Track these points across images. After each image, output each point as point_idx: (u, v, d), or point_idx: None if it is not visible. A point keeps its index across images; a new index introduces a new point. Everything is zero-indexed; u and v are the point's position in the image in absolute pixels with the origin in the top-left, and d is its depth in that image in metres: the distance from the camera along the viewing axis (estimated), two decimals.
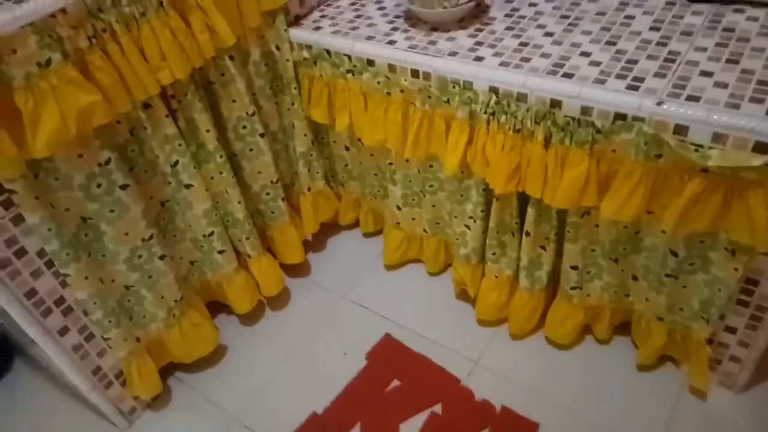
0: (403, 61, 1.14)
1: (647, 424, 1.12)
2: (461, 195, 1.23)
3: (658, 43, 1.03)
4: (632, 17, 1.12)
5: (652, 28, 1.07)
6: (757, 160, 0.80)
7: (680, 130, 0.86)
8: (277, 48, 1.28)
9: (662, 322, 1.12)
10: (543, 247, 1.17)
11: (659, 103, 0.88)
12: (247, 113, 1.24)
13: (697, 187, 0.87)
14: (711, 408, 1.13)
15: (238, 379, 1.32)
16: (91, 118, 0.92)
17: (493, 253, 1.24)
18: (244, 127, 1.26)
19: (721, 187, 0.86)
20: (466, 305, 1.38)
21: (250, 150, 1.29)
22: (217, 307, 1.42)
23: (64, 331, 1.07)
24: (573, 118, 0.96)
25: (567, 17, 1.16)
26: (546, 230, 1.13)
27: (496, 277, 1.27)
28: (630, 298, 1.16)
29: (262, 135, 1.28)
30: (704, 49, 0.99)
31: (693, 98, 0.88)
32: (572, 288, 1.18)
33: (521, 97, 1.01)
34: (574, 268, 1.14)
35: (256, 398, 1.28)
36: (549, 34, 1.12)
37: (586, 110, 0.94)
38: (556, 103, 0.97)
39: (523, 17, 1.19)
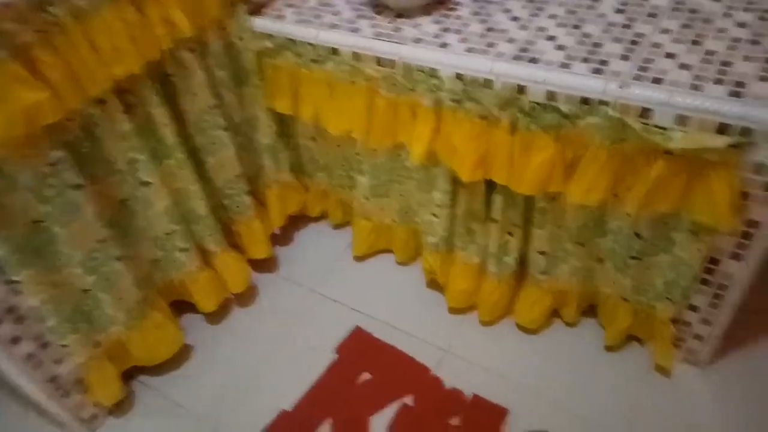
0: (368, 49, 1.11)
1: (615, 404, 1.14)
2: (429, 184, 1.22)
3: (623, 26, 1.03)
4: (598, 0, 1.12)
5: (617, 11, 1.08)
6: (720, 142, 0.81)
7: (644, 113, 0.87)
8: (239, 38, 1.23)
9: (628, 303, 1.14)
10: (511, 234, 1.17)
11: (623, 87, 0.88)
12: (208, 106, 1.20)
13: (661, 169, 0.88)
14: (676, 385, 1.16)
15: (206, 380, 1.29)
16: (39, 117, 0.86)
17: (462, 241, 1.24)
18: (206, 121, 1.21)
19: (685, 168, 0.87)
20: (437, 294, 1.38)
21: (213, 144, 1.25)
22: (182, 306, 1.38)
23: (16, 341, 1.01)
24: (538, 104, 0.95)
25: (533, 1, 1.15)
26: (513, 216, 1.14)
27: (465, 264, 1.27)
28: (597, 281, 1.18)
29: (224, 128, 1.24)
30: (669, 31, 1.00)
31: (657, 81, 0.89)
32: (540, 273, 1.18)
33: (487, 84, 1.00)
34: (542, 253, 1.15)
35: (224, 398, 1.25)
36: (515, 19, 1.11)
37: (551, 95, 0.94)
38: (521, 89, 0.97)
39: (489, 2, 1.18)
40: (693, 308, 1.08)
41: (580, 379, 1.19)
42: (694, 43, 0.96)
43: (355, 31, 1.15)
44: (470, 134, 1.03)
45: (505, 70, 0.98)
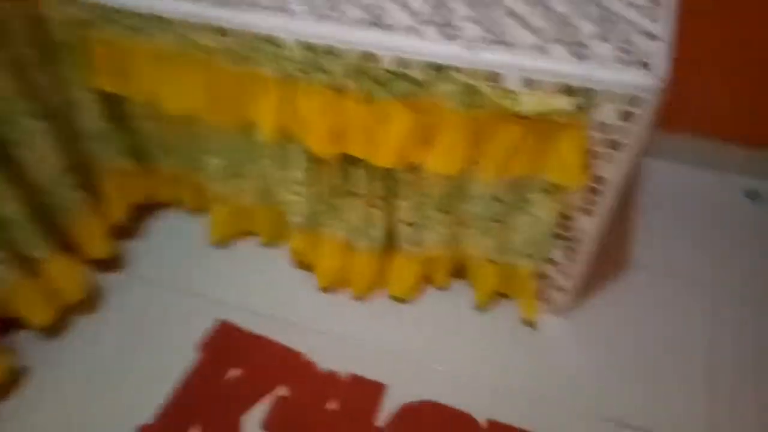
0: (200, 15, 0.98)
1: (488, 360, 1.17)
2: (285, 161, 1.13)
3: None
4: None
5: None
6: (565, 103, 0.81)
7: (494, 77, 0.85)
8: (44, 7, 1.02)
9: (493, 263, 1.16)
10: (375, 207, 1.12)
11: (472, 51, 0.85)
12: (13, 91, 0.99)
13: (514, 133, 0.88)
14: (543, 335, 1.22)
15: (47, 406, 1.11)
16: None
17: (327, 218, 1.18)
18: (11, 109, 1.01)
19: (535, 131, 0.87)
20: (307, 274, 1.31)
21: (24, 135, 1.05)
22: (11, 324, 1.17)
23: None
24: (390, 72, 0.90)
25: None
26: (376, 189, 1.09)
27: (332, 241, 1.21)
28: (463, 244, 1.18)
29: (37, 116, 1.05)
30: None
31: (505, 43, 0.87)
32: (409, 243, 1.16)
33: (335, 52, 0.92)
34: (409, 224, 1.12)
35: (71, 425, 1.09)
36: None
37: (403, 62, 0.89)
38: (371, 57, 0.90)
39: None
40: (552, 262, 1.12)
41: (454, 341, 1.21)
42: (539, 3, 0.95)
43: None
44: (321, 106, 0.96)
45: (352, 37, 0.90)
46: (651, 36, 0.85)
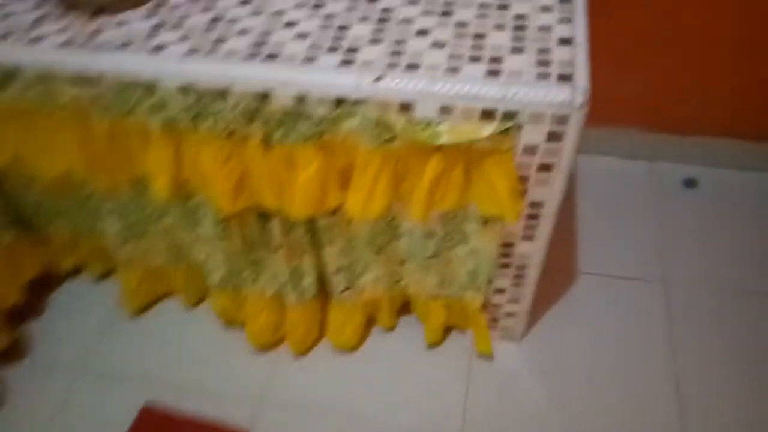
0: (59, 63, 0.84)
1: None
2: (191, 218, 0.99)
3: (368, 0, 0.89)
4: None
5: None
6: (487, 130, 0.72)
7: (406, 107, 0.75)
8: None
9: (438, 299, 1.06)
10: (301, 256, 1.00)
11: (378, 79, 0.75)
12: None
13: (436, 167, 0.77)
14: (500, 365, 1.13)
15: None
16: None
17: (250, 273, 1.05)
18: None
19: (460, 162, 0.78)
20: (238, 334, 1.17)
21: None
22: None
23: None
24: (289, 110, 0.78)
25: None
26: (298, 237, 0.97)
27: (260, 298, 1.08)
28: (403, 282, 1.07)
29: None
30: (416, 2, 0.88)
31: (413, 66, 0.76)
32: (342, 291, 1.05)
33: (223, 93, 0.79)
34: (339, 270, 1.01)
35: None
36: (245, 2, 0.91)
37: (301, 98, 0.77)
38: (265, 95, 0.78)
39: None
40: (499, 291, 1.03)
41: (409, 387, 1.10)
42: (444, 14, 0.85)
43: (37, 39, 0.86)
44: (218, 157, 0.83)
45: (239, 73, 0.78)
46: (567, 41, 0.76)
